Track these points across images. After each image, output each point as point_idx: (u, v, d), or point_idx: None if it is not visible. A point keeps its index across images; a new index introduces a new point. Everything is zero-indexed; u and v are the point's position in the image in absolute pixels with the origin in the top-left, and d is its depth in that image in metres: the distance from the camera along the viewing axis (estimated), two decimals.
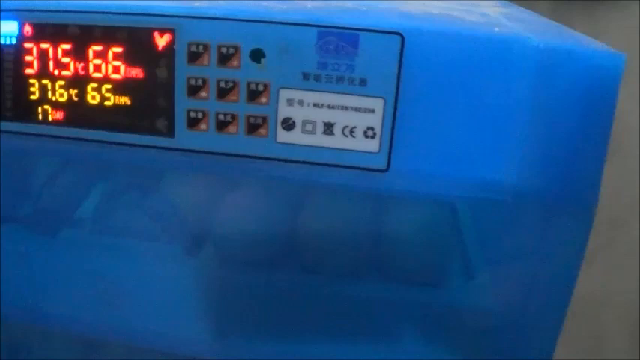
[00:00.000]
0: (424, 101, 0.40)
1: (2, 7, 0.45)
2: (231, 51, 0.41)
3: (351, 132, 0.41)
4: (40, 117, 0.45)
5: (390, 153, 0.41)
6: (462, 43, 0.40)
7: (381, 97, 0.40)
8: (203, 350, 0.50)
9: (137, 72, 0.42)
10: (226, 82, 0.41)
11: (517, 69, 0.39)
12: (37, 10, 0.44)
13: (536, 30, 0.44)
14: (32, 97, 0.45)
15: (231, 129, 0.42)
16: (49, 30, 0.44)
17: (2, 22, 0.44)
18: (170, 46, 0.42)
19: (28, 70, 0.45)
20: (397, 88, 0.40)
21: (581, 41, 0.42)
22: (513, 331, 0.46)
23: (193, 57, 0.41)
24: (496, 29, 0.41)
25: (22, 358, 0.54)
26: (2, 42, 0.45)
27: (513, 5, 0.57)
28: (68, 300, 0.51)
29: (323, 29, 0.40)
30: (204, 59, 0.41)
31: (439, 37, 0.40)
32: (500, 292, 0.45)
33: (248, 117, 0.42)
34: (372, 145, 0.41)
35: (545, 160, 0.41)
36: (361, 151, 0.41)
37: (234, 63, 0.41)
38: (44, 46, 0.44)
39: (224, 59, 0.41)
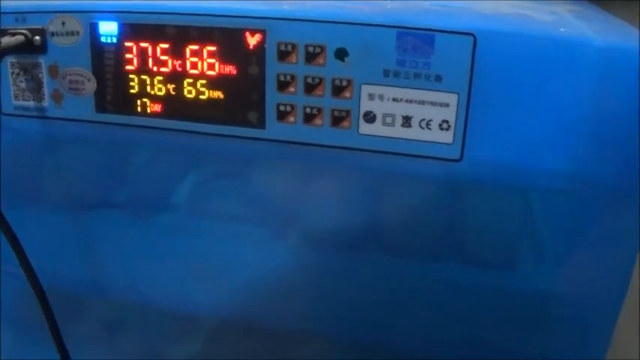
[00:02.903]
0: (495, 96, 0.44)
1: (102, 9, 0.49)
2: (318, 50, 0.45)
3: (427, 124, 0.44)
4: (139, 109, 0.49)
5: (463, 144, 0.44)
6: (529, 43, 0.43)
7: (455, 93, 0.44)
8: (288, 326, 0.53)
9: (230, 69, 0.46)
10: (313, 78, 0.45)
11: (580, 67, 0.42)
12: (136, 12, 0.48)
13: (601, 29, 0.46)
14: (132, 91, 0.49)
15: (317, 121, 0.46)
16: (147, 30, 0.48)
17: (102, 22, 0.49)
18: (261, 46, 0.45)
19: (128, 67, 0.49)
20: (470, 84, 0.43)
21: None
22: (578, 317, 0.49)
23: (283, 55, 0.45)
24: (562, 29, 0.44)
25: (119, 333, 0.59)
26: (103, 40, 0.49)
27: (584, 2, 0.59)
28: (162, 279, 0.55)
29: (402, 30, 0.43)
30: (293, 57, 0.45)
31: (509, 38, 0.43)
32: (567, 277, 0.48)
33: (333, 110, 0.45)
34: (447, 137, 0.44)
35: (607, 152, 0.44)
36: (436, 142, 0.45)
37: (321, 61, 0.45)
38: (144, 44, 0.48)
39: (311, 57, 0.45)
